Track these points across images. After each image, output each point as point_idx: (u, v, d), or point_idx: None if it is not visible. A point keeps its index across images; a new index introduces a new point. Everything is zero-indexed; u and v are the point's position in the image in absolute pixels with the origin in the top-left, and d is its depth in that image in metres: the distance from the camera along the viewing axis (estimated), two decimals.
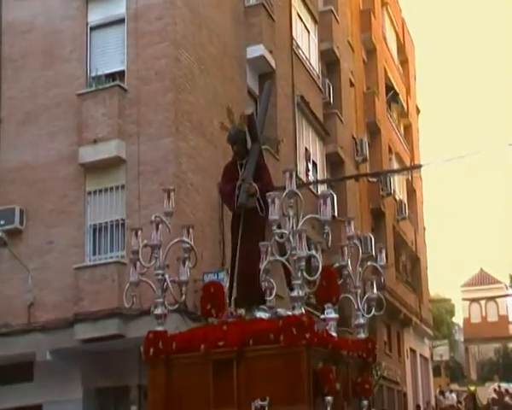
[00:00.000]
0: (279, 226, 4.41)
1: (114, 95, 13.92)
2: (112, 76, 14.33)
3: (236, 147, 5.25)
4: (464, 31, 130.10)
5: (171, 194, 4.99)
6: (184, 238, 5.04)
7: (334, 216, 5.64)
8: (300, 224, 4.37)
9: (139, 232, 4.90)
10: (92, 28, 14.79)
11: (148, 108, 13.71)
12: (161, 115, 13.62)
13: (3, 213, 14.08)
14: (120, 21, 14.50)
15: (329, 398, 4.36)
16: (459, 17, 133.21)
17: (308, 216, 4.55)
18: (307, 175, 19.38)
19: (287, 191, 4.42)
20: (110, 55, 14.55)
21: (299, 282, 4.32)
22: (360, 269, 5.23)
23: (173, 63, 13.82)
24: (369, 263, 5.45)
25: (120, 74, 14.30)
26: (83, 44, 14.65)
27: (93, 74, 14.47)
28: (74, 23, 14.72)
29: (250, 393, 4.28)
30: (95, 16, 14.79)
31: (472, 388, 43.61)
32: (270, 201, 4.36)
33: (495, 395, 36.50)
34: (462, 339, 65.95)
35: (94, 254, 13.92)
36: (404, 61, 35.73)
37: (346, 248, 5.21)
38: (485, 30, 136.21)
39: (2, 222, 13.98)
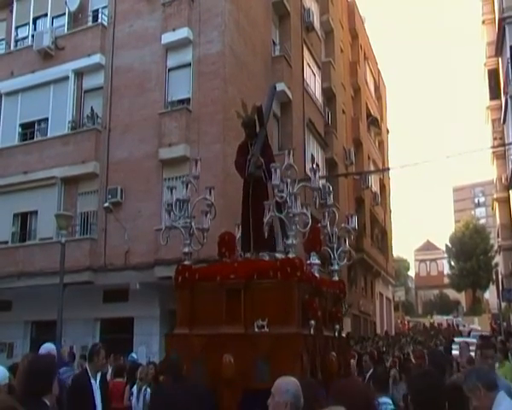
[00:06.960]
0: (279, 190, 3.91)
1: (183, 114, 13.60)
2: (181, 101, 14.00)
3: (248, 130, 4.73)
4: (421, 76, 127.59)
5: (198, 163, 4.48)
6: (207, 196, 4.52)
7: (327, 203, 4.98)
8: (296, 188, 3.86)
9: (173, 190, 4.42)
10: (169, 69, 14.41)
11: (205, 124, 13.28)
12: (214, 128, 13.18)
13: (111, 191, 13.95)
14: (188, 65, 14.10)
15: (313, 322, 3.96)
16: (419, 66, 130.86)
17: (301, 184, 4.05)
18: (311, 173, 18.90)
19: (285, 164, 3.91)
20: (181, 87, 14.11)
21: (293, 233, 3.88)
22: (336, 230, 4.70)
23: (223, 94, 13.38)
24: (342, 225, 4.88)
25: (187, 100, 13.92)
26: (163, 80, 14.29)
27: (169, 100, 14.17)
28: (158, 66, 14.37)
29: (253, 315, 3.89)
30: (171, 61, 14.41)
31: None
32: (273, 170, 3.89)
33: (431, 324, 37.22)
34: (413, 286, 64.99)
35: None
36: (378, 97, 34.69)
37: (326, 214, 4.69)
38: (435, 72, 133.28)
39: (110, 196, 13.85)
